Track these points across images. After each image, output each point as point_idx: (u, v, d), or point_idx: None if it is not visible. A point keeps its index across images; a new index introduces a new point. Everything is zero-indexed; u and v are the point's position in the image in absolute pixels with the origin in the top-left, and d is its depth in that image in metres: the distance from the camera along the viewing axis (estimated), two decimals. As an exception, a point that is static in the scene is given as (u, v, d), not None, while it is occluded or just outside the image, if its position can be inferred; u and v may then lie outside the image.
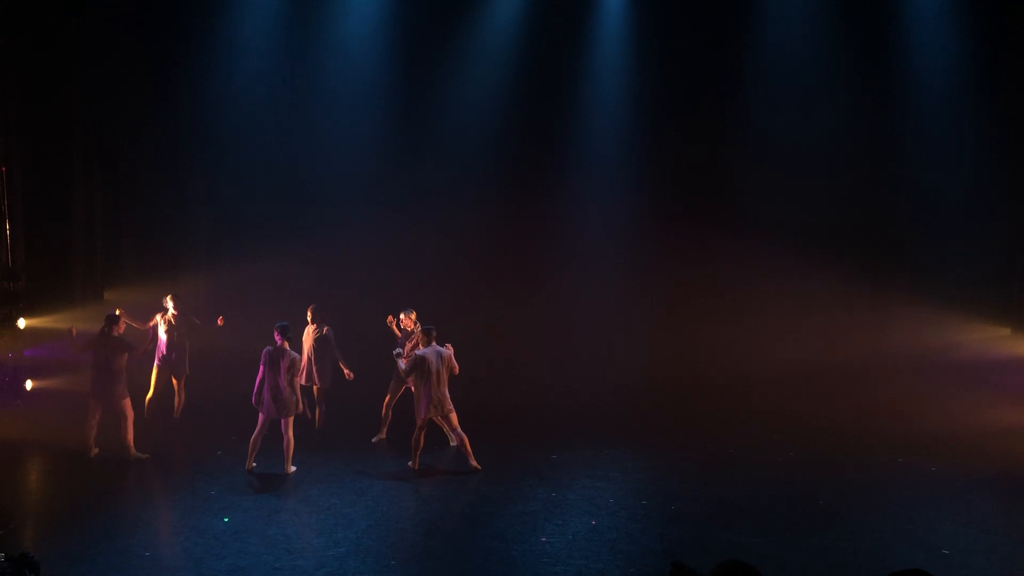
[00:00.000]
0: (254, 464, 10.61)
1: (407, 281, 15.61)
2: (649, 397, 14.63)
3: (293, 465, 10.64)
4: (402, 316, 11.93)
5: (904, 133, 15.58)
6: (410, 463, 10.84)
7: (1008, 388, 13.77)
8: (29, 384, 13.33)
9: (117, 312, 11.32)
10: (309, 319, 12.29)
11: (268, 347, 10.52)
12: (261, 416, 10.52)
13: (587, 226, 16.60)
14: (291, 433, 10.53)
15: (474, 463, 10.75)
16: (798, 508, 9.80)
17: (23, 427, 12.10)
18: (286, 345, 10.53)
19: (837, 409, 13.90)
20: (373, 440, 12.00)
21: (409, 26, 16.17)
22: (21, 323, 13.27)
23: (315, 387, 12.33)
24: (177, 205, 16.11)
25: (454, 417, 10.69)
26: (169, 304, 12.59)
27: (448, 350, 10.70)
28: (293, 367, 10.46)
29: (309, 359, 12.13)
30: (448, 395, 10.65)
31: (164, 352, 12.54)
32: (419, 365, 10.54)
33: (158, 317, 12.53)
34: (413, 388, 11.06)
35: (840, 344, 15.31)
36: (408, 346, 11.51)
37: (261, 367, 10.46)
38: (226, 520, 9.04)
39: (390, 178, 16.46)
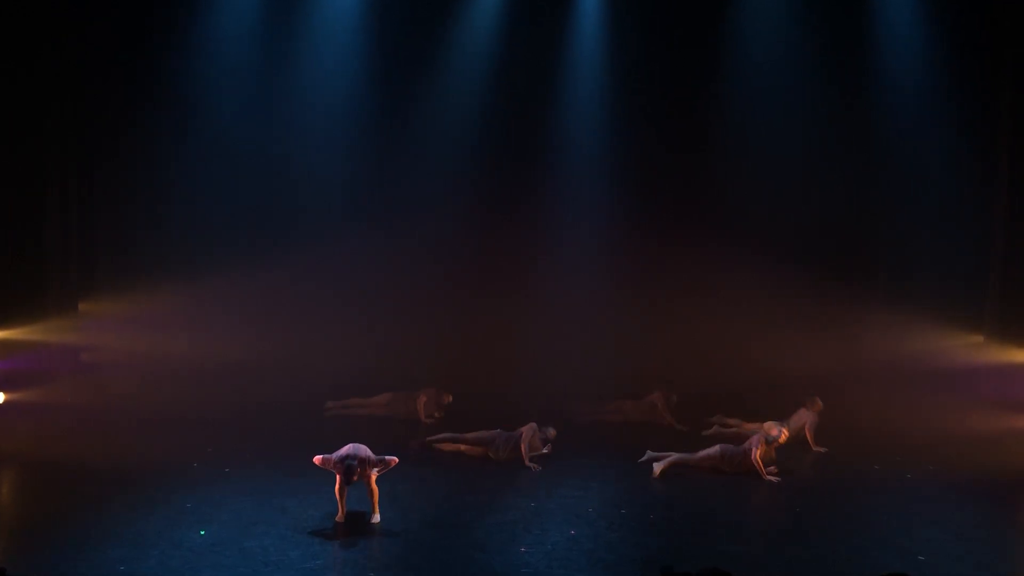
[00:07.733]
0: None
1: (390, 289, 15.59)
2: (630, 404, 14.60)
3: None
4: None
5: (879, 138, 15.67)
6: None
7: (981, 395, 13.85)
8: (1, 396, 13.18)
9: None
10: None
11: None
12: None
13: (566, 230, 16.57)
14: None
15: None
16: (776, 515, 9.84)
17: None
18: None
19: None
20: None
21: (384, 34, 16.10)
22: (-7, 335, 13.13)
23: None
24: (153, 216, 15.93)
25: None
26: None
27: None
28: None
29: None
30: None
31: None
32: None
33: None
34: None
35: (813, 350, 15.32)
36: None
37: None
38: (202, 532, 8.96)
39: (368, 187, 16.37)
